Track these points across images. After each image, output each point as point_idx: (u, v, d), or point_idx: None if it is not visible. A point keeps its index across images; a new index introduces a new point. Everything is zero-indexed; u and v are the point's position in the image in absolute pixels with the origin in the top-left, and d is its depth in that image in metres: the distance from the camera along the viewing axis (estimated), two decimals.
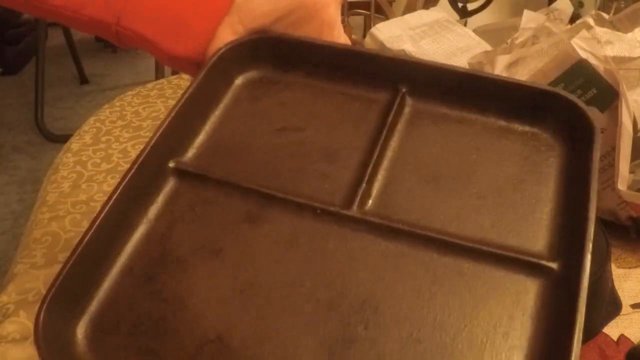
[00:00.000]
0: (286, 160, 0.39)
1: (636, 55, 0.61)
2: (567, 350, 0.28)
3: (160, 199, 0.37)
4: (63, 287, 0.32)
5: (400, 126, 0.40)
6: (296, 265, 0.34)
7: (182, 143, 0.39)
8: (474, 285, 0.33)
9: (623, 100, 0.54)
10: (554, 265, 0.33)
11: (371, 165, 0.38)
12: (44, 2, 0.43)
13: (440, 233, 0.35)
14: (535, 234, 0.35)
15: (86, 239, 0.33)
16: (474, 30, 0.89)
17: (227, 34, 0.42)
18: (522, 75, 0.64)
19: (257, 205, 0.37)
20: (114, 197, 0.34)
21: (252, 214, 0.36)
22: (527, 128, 0.40)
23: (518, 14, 0.74)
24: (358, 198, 0.36)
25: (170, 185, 0.38)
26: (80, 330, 0.33)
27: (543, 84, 0.52)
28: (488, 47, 0.82)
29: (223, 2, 0.42)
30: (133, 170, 0.35)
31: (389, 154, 0.39)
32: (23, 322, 0.51)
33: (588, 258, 0.32)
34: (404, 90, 0.42)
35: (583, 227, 0.33)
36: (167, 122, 0.38)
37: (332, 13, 0.43)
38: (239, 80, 0.43)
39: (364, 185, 0.37)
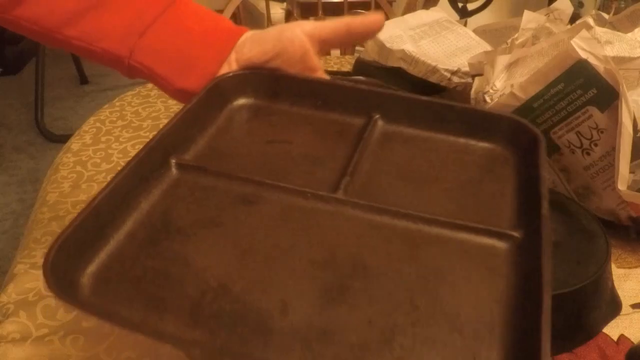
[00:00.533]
0: (276, 162, 0.45)
1: (636, 55, 0.61)
2: (540, 301, 0.31)
3: (163, 184, 0.42)
4: (73, 237, 0.34)
5: (373, 142, 0.47)
6: (290, 234, 0.38)
7: (182, 146, 0.44)
8: (450, 249, 0.38)
9: (623, 100, 0.54)
10: (517, 233, 0.38)
11: (352, 166, 0.44)
12: (58, 32, 0.47)
13: (419, 209, 0.40)
14: (499, 213, 0.41)
15: (98, 199, 0.36)
16: (474, 30, 0.89)
17: (224, 70, 0.50)
18: (522, 75, 0.64)
19: (251, 190, 0.42)
20: (123, 173, 0.38)
21: (248, 197, 0.41)
22: (484, 144, 0.47)
23: (518, 14, 0.74)
24: (342, 186, 0.41)
25: (172, 174, 0.42)
26: (87, 277, 0.35)
27: (494, 109, 0.60)
28: (488, 47, 0.82)
29: (226, 45, 0.50)
30: (139, 158, 0.40)
31: (366, 160, 0.45)
32: (23, 322, 0.51)
33: (546, 224, 0.36)
34: (376, 116, 0.49)
35: (539, 202, 0.38)
36: (169, 126, 0.43)
37: (313, 60, 0.49)
38: (232, 105, 0.50)
39: (347, 177, 0.42)
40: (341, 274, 0.36)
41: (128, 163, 0.39)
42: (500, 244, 0.38)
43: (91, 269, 0.35)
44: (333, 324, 0.33)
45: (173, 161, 0.43)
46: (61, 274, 0.33)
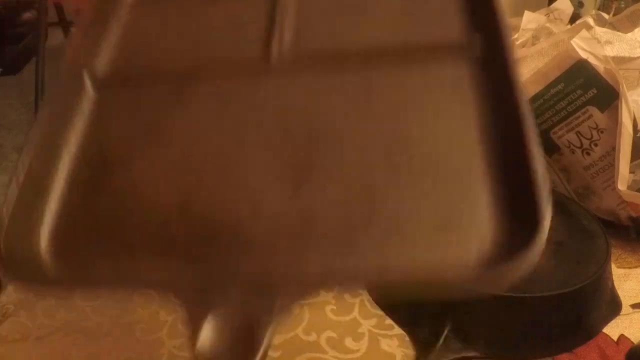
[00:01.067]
0: (195, 46, 0.39)
1: (636, 55, 0.61)
2: (515, 102, 0.29)
3: (85, 112, 0.37)
4: (16, 216, 0.31)
5: None
6: (235, 122, 0.34)
7: (91, 62, 0.39)
8: (409, 87, 0.34)
9: (623, 100, 0.54)
10: (475, 47, 0.34)
11: (277, 21, 0.38)
12: None
13: (364, 46, 0.35)
14: (452, 27, 0.36)
15: (28, 161, 0.33)
16: None
17: None
18: (522, 75, 0.64)
19: (179, 88, 0.37)
20: (39, 122, 0.35)
21: (177, 98, 0.36)
22: None
23: (518, 14, 0.74)
24: (274, 49, 0.37)
25: (90, 97, 0.37)
26: (44, 252, 0.32)
27: None
28: None
29: None
30: (52, 93, 0.36)
31: (291, 8, 0.39)
32: (23, 322, 0.51)
33: (507, 35, 0.33)
34: None
35: (492, 10, 0.34)
36: (72, 46, 0.38)
37: None
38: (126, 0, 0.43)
39: (275, 36, 0.37)
40: (302, 150, 0.32)
41: (43, 105, 0.36)
42: (461, 64, 0.34)
43: (44, 241, 0.32)
44: (310, 209, 0.30)
45: (88, 82, 0.37)
46: (19, 260, 0.30)
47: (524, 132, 0.28)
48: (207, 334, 0.26)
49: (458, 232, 0.28)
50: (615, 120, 0.55)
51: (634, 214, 0.58)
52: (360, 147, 0.32)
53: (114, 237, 0.32)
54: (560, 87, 0.57)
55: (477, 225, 0.28)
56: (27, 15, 2.76)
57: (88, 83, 0.37)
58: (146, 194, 0.33)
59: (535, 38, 0.69)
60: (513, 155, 0.28)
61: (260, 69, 0.36)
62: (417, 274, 0.28)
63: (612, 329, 0.49)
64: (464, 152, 0.30)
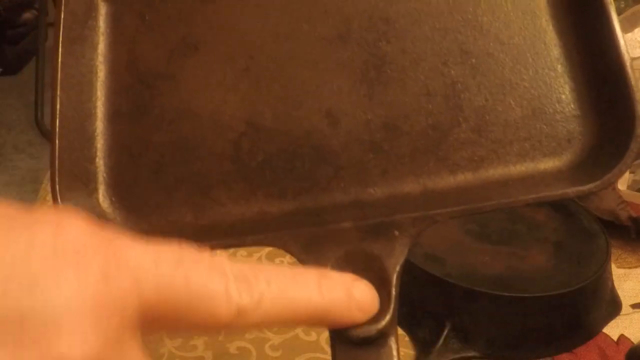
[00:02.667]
0: None
1: (636, 56, 0.61)
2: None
3: (103, 29, 0.31)
4: (64, 163, 0.28)
5: None
6: (280, 22, 0.30)
7: None
8: None
9: None
10: None
11: None
12: None
13: None
14: None
15: (57, 107, 0.28)
16: None
17: None
18: None
19: None
20: (59, 58, 0.29)
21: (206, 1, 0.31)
22: None
23: None
24: None
25: (105, 10, 0.32)
26: (104, 201, 0.28)
27: None
28: None
29: None
30: (62, 14, 0.30)
31: None
32: None
33: None
34: None
35: None
36: None
37: None
38: None
39: None
40: (367, 43, 0.28)
41: (55, 38, 0.29)
42: None
43: (102, 188, 0.28)
44: (389, 112, 0.27)
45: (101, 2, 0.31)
46: (75, 201, 0.27)
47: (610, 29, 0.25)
48: None
49: (548, 131, 0.26)
50: None
51: (634, 214, 0.58)
52: (429, 36, 0.28)
53: (181, 173, 0.28)
54: None
55: (567, 123, 0.26)
56: (27, 15, 2.76)
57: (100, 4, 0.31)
58: (204, 114, 0.29)
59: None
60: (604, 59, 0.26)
61: None
62: (514, 191, 0.26)
63: (612, 329, 0.49)
64: (540, 47, 0.28)
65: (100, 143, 0.29)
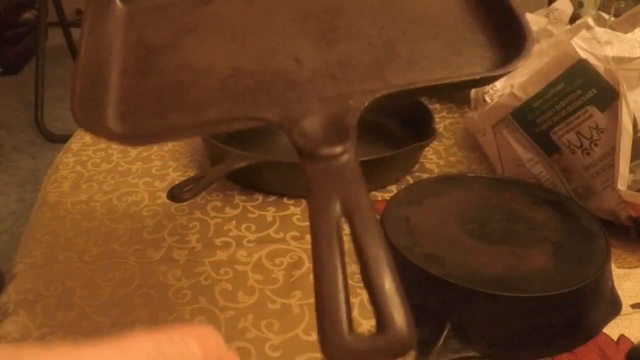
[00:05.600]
0: None
1: (636, 56, 0.61)
2: None
3: (121, 21, 0.42)
4: (84, 92, 0.35)
5: None
6: (261, 8, 0.42)
7: None
8: None
9: (623, 100, 0.54)
10: None
11: None
12: None
13: None
14: None
15: (82, 57, 0.37)
16: None
17: None
18: (522, 75, 0.64)
19: None
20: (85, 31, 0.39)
21: None
22: None
23: None
24: None
25: (121, 10, 0.43)
26: (112, 121, 0.36)
27: None
28: None
29: None
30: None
31: None
32: (23, 322, 0.51)
33: None
34: None
35: None
36: None
37: None
38: None
39: None
40: (324, 20, 0.40)
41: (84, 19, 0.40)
42: None
43: (112, 113, 0.36)
44: (342, 56, 0.38)
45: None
46: (95, 124, 0.34)
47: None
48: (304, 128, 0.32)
49: (465, 54, 0.37)
50: (615, 120, 0.55)
51: (634, 214, 0.58)
52: (369, 14, 0.40)
53: (178, 100, 0.36)
54: (560, 87, 0.57)
55: (479, 47, 0.38)
56: (27, 15, 2.76)
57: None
58: (198, 66, 0.38)
59: (535, 40, 0.69)
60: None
61: None
62: (440, 77, 0.36)
63: (612, 329, 0.49)
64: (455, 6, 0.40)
65: (112, 79, 0.38)
